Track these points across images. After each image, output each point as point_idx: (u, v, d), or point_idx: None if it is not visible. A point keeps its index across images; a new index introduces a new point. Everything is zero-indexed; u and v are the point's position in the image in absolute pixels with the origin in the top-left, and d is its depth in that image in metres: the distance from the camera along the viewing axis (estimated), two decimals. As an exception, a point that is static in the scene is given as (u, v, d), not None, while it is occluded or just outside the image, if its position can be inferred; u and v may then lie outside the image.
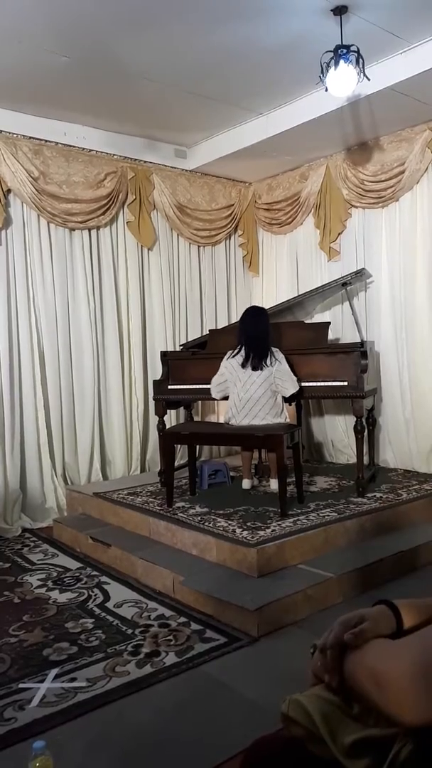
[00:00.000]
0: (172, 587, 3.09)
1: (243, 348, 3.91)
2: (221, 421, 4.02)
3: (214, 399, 4.17)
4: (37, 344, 4.51)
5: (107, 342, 4.88)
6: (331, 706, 0.96)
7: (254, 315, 4.04)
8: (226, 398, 4.00)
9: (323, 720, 0.95)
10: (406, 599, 0.99)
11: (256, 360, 3.83)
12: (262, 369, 3.80)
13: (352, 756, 0.92)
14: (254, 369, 3.80)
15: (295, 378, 3.85)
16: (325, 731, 0.94)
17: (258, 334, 3.91)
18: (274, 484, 3.95)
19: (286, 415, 3.91)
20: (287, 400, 4.03)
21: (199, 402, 5.20)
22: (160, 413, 4.50)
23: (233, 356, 3.94)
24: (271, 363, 3.83)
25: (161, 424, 4.48)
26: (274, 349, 3.90)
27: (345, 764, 0.92)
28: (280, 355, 3.89)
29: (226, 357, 3.98)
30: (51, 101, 4.14)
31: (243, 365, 3.85)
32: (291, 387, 3.82)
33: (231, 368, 3.91)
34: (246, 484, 4.17)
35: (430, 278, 4.43)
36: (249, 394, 3.79)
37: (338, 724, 0.95)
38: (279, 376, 3.81)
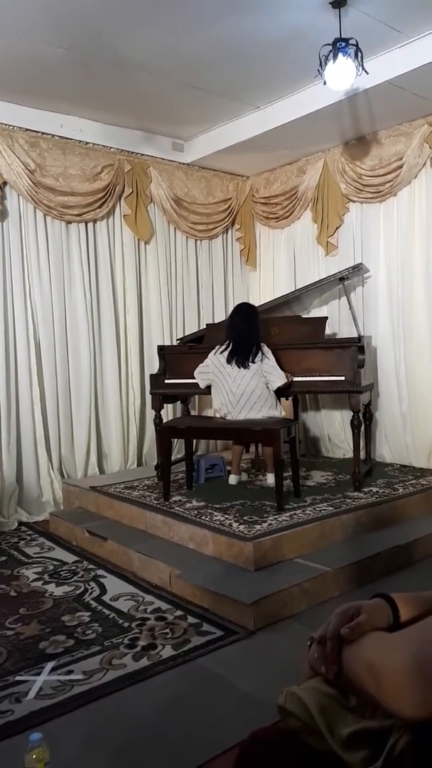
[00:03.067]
0: (168, 581, 3.10)
1: (231, 344, 3.92)
2: (218, 416, 4.02)
3: (204, 392, 4.19)
4: (34, 337, 4.50)
5: (104, 335, 4.87)
6: (328, 698, 0.96)
7: (244, 312, 4.05)
8: (208, 388, 4.03)
9: (320, 712, 0.95)
10: (403, 592, 1.00)
11: (242, 358, 3.84)
12: (248, 366, 3.82)
13: (349, 748, 0.92)
14: (242, 366, 3.82)
15: (282, 373, 3.85)
16: (322, 723, 0.94)
17: (246, 331, 3.92)
18: (270, 479, 3.96)
19: (281, 408, 3.92)
20: (284, 394, 4.03)
21: (196, 396, 5.19)
22: (157, 407, 4.50)
23: (220, 352, 3.95)
24: (260, 359, 3.84)
25: (158, 418, 4.48)
26: (262, 345, 3.92)
27: (342, 756, 0.92)
28: (266, 349, 3.91)
29: (213, 351, 3.99)
30: (48, 93, 4.11)
31: (229, 362, 3.87)
32: (278, 380, 3.83)
33: (218, 363, 3.92)
34: (233, 479, 4.17)
35: (427, 273, 4.43)
36: (242, 389, 3.80)
37: (335, 716, 0.95)
38: (267, 369, 3.83)
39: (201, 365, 4.04)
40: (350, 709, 0.96)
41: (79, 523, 3.94)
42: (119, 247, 4.96)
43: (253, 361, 3.83)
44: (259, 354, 3.86)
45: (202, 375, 4.03)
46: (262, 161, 5.25)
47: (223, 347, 3.96)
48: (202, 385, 4.07)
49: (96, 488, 4.22)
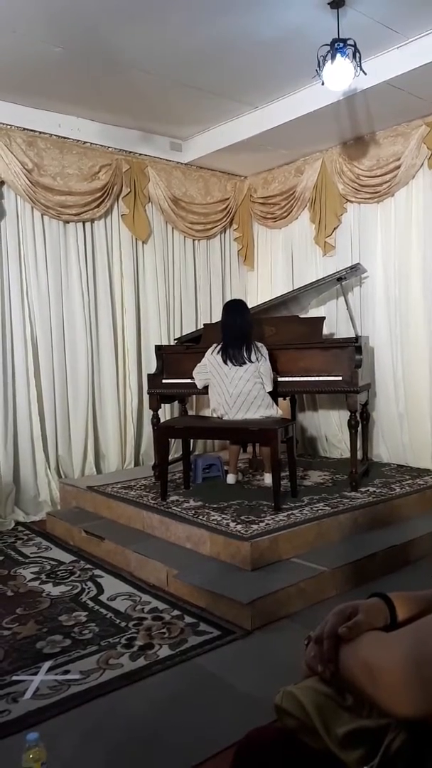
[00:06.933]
0: (165, 580, 3.10)
1: (224, 343, 3.93)
2: (215, 415, 4.02)
3: (202, 392, 4.19)
4: (31, 337, 4.50)
5: (101, 335, 4.86)
6: (325, 697, 0.97)
7: (234, 309, 4.05)
8: (206, 389, 4.03)
9: (317, 711, 0.95)
10: (400, 592, 1.00)
11: (237, 355, 3.85)
12: (244, 364, 3.82)
13: (345, 747, 0.92)
14: (238, 365, 3.83)
15: (274, 374, 3.91)
16: (319, 722, 0.95)
17: (238, 327, 3.92)
18: (268, 478, 3.96)
19: (277, 408, 3.93)
20: (281, 394, 4.04)
21: (194, 396, 5.19)
22: (155, 407, 4.50)
23: (216, 351, 3.95)
24: (257, 358, 3.85)
25: (155, 417, 4.48)
26: (258, 344, 3.93)
27: (338, 755, 0.93)
28: (264, 350, 3.92)
29: (210, 350, 4.00)
30: (45, 92, 4.11)
31: (225, 361, 3.87)
32: (270, 386, 3.87)
33: (215, 363, 3.93)
34: (231, 479, 4.18)
35: (424, 274, 4.44)
36: (239, 389, 3.80)
37: (332, 715, 0.95)
38: (264, 372, 3.85)
39: (199, 365, 4.04)
40: (347, 708, 0.96)
41: (76, 523, 3.94)
42: (117, 246, 4.95)
43: (250, 360, 3.84)
44: (256, 353, 3.87)
45: (200, 375, 4.03)
46: (259, 161, 5.25)
47: (219, 347, 3.97)
48: (200, 386, 4.08)
49: (93, 488, 4.22)
